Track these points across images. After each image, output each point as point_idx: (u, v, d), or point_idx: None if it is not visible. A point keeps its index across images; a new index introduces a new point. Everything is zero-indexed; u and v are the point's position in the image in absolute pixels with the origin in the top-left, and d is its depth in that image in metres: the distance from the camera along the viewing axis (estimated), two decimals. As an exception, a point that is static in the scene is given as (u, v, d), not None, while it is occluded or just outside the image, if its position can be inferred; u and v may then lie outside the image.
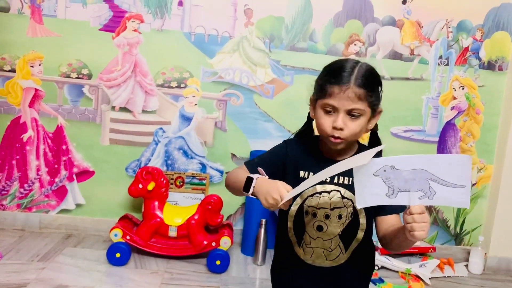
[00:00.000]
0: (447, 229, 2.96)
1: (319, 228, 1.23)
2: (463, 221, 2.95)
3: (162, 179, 2.48)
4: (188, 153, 2.79)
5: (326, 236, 1.23)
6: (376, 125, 1.30)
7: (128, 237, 2.41)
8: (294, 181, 1.22)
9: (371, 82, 1.18)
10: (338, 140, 1.18)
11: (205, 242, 2.44)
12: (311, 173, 1.24)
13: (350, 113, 1.16)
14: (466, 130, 2.89)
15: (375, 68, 1.22)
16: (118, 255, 2.37)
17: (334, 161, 1.21)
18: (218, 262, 2.39)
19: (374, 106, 1.20)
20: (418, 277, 2.53)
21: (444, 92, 2.86)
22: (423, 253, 2.80)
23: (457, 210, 2.94)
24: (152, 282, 2.24)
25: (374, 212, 1.24)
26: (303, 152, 1.29)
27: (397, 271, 2.61)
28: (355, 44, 2.78)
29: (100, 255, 2.46)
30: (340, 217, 1.22)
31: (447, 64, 2.85)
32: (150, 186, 2.43)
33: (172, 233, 2.45)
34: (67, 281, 2.17)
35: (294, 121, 2.78)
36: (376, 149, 1.03)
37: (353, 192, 1.17)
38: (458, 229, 2.96)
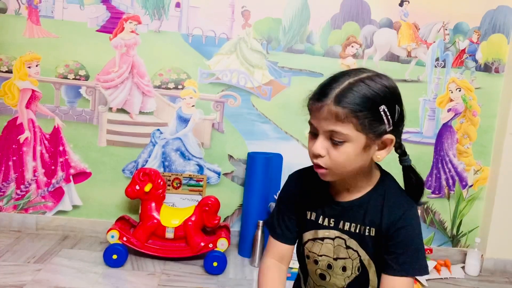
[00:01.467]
0: (443, 230, 2.96)
1: (322, 277, 1.08)
2: (460, 223, 2.96)
3: (159, 181, 2.48)
4: (185, 155, 2.79)
5: (329, 287, 1.08)
6: (406, 156, 1.03)
7: (125, 239, 2.41)
8: (303, 222, 1.10)
9: (362, 100, 0.92)
10: (322, 171, 0.98)
11: (202, 244, 2.44)
12: (314, 214, 1.07)
13: (330, 136, 0.95)
14: (463, 132, 2.90)
15: (386, 84, 0.96)
16: (115, 256, 2.36)
17: (336, 202, 1.05)
18: (215, 264, 2.39)
19: (370, 132, 0.94)
20: (415, 279, 2.54)
21: (441, 94, 2.87)
22: (420, 255, 2.80)
23: (453, 212, 2.95)
24: (149, 283, 2.24)
25: (381, 267, 1.02)
26: (308, 188, 1.10)
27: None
28: (352, 46, 2.78)
29: (97, 257, 2.45)
30: (344, 269, 1.05)
31: (444, 66, 2.86)
32: (147, 188, 2.43)
33: (169, 234, 2.45)
34: (63, 282, 2.16)
35: (291, 122, 2.78)
36: None
37: (360, 243, 1.02)
38: (454, 231, 2.97)
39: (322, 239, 1.06)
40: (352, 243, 1.03)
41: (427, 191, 2.92)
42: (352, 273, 1.05)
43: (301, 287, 1.19)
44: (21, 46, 2.65)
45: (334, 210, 1.05)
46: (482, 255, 2.83)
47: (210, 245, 2.43)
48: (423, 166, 2.90)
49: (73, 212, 2.78)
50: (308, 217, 1.09)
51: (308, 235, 1.09)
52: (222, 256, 2.41)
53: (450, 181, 2.93)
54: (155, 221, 2.44)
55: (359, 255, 1.03)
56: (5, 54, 2.65)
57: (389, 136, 0.97)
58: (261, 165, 2.63)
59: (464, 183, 2.94)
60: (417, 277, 2.53)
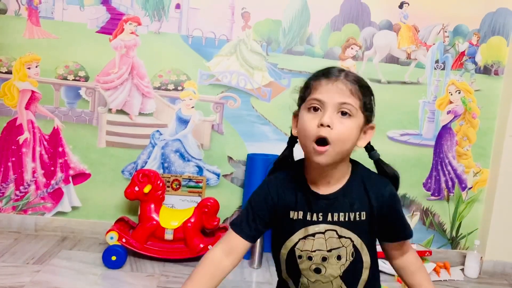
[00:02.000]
0: (443, 233, 2.96)
1: (317, 271, 1.10)
2: (459, 225, 2.96)
3: (159, 182, 2.48)
4: (184, 156, 2.78)
5: (325, 279, 1.10)
6: (375, 151, 1.14)
7: (124, 240, 2.40)
8: (288, 224, 1.11)
9: (363, 84, 1.06)
10: (323, 149, 1.00)
11: (202, 245, 2.44)
12: (300, 212, 1.10)
13: (339, 109, 1.01)
14: (462, 134, 2.90)
15: None
16: (114, 258, 2.36)
17: (320, 196, 1.09)
18: (214, 265, 2.38)
19: (367, 113, 1.06)
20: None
21: (440, 96, 2.87)
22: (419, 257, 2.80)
23: (453, 214, 2.95)
24: (148, 285, 2.24)
25: (380, 238, 1.15)
26: (288, 187, 1.12)
27: (393, 275, 2.60)
28: (352, 48, 2.78)
29: (96, 258, 2.45)
30: (339, 257, 1.09)
31: (443, 68, 2.86)
32: (147, 189, 2.43)
33: (168, 236, 2.45)
34: (62, 284, 2.15)
35: (290, 124, 2.78)
36: None
37: (352, 230, 1.08)
38: (454, 233, 2.97)
39: (313, 234, 1.08)
40: (344, 231, 1.08)
41: (426, 193, 2.92)
42: (346, 259, 1.09)
43: None
44: (20, 47, 2.65)
45: (320, 204, 1.08)
46: (481, 257, 2.82)
47: (210, 247, 2.43)
48: (423, 168, 2.90)
49: (72, 213, 2.77)
50: (295, 217, 1.10)
51: (298, 235, 1.10)
52: (221, 258, 2.41)
53: (450, 183, 2.93)
54: (154, 222, 2.44)
55: (352, 241, 1.08)
56: (5, 55, 2.65)
57: (373, 124, 1.09)
58: (260, 167, 2.63)
59: (463, 185, 2.94)
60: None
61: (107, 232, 2.41)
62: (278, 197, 1.13)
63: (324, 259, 1.09)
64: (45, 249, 2.53)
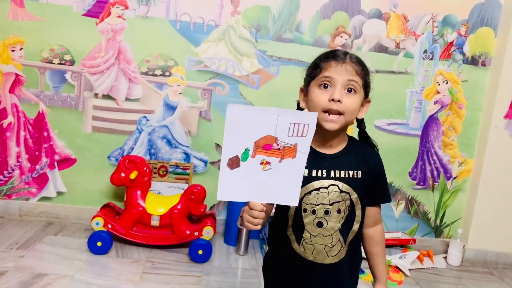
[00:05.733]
0: (427, 221, 3.00)
1: (319, 225, 1.22)
2: (443, 214, 3.00)
3: (145, 168, 2.46)
4: (172, 142, 2.77)
5: (326, 232, 1.23)
6: (364, 122, 1.32)
7: (109, 226, 2.39)
8: None
9: (364, 65, 1.24)
10: (335, 117, 1.17)
11: (188, 232, 2.44)
12: (306, 170, 1.21)
13: (347, 86, 1.18)
14: (449, 124, 2.93)
15: None
16: (99, 243, 2.35)
17: (324, 156, 1.24)
18: (200, 252, 2.39)
19: (367, 89, 1.24)
20: (398, 269, 2.57)
21: (428, 86, 2.88)
22: (403, 245, 2.84)
23: (437, 203, 2.98)
24: (133, 271, 2.23)
25: (367, 202, 1.27)
26: None
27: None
28: (341, 36, 2.78)
29: (81, 244, 2.44)
30: (339, 211, 1.22)
31: (431, 58, 2.87)
32: (133, 175, 2.41)
33: (155, 222, 2.44)
34: (47, 269, 2.14)
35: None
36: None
37: (351, 185, 1.23)
38: (438, 222, 3.01)
39: (318, 189, 1.21)
40: (344, 186, 1.22)
41: (412, 182, 2.95)
42: (344, 213, 1.23)
43: (293, 250, 1.25)
44: (4, 29, 2.59)
45: (324, 162, 1.23)
46: (464, 245, 2.87)
47: (196, 233, 2.43)
48: (409, 158, 2.93)
49: (57, 199, 2.75)
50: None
51: (304, 190, 1.21)
52: (208, 244, 2.41)
53: (435, 172, 2.96)
54: (141, 208, 2.43)
55: (350, 196, 1.23)
56: (-12, 36, 2.59)
57: (369, 99, 1.27)
58: (248, 154, 2.62)
59: (448, 175, 2.97)
60: (400, 267, 2.57)
61: (93, 218, 2.39)
62: None
63: (326, 212, 1.22)
64: (29, 235, 2.51)
